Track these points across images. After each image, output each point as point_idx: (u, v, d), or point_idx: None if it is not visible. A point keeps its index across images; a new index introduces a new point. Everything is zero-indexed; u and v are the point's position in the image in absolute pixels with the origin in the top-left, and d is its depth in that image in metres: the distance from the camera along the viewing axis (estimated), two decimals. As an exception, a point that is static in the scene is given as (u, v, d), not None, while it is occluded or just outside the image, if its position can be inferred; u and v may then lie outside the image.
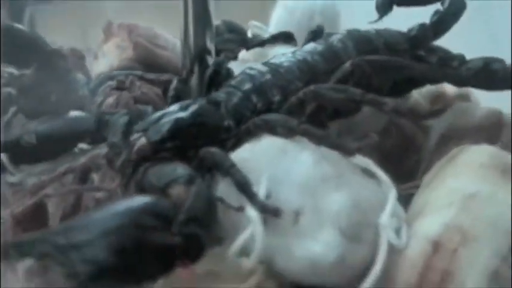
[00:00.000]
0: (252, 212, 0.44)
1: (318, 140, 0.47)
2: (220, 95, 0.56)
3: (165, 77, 0.75)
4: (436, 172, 0.53)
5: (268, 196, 0.45)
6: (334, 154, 0.47)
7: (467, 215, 0.47)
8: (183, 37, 0.70)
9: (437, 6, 0.67)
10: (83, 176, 0.61)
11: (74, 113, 0.68)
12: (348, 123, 0.61)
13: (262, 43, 0.74)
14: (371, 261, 0.44)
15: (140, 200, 0.43)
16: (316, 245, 0.43)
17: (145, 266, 0.40)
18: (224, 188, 0.47)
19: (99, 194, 0.58)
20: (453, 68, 0.59)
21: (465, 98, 0.73)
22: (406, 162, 0.65)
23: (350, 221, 0.44)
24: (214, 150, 0.48)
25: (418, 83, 0.62)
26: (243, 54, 0.74)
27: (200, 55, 0.69)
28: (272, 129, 0.49)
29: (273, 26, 0.89)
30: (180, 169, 0.46)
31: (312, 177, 0.45)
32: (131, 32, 0.86)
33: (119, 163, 0.52)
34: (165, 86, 0.74)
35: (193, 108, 0.53)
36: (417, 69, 0.57)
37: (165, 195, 0.44)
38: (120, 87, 0.73)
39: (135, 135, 0.53)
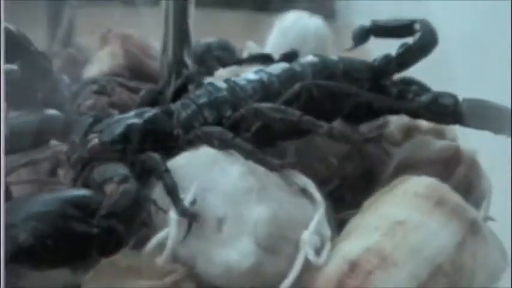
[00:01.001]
0: (172, 215, 0.45)
1: (246, 155, 0.49)
2: (176, 106, 0.59)
3: (146, 86, 0.77)
4: (375, 199, 0.54)
5: (193, 202, 0.47)
6: (263, 170, 0.48)
7: (391, 240, 0.47)
8: (162, 49, 0.73)
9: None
10: (53, 169, 0.64)
11: (49, 111, 0.70)
12: (309, 145, 0.63)
13: (239, 62, 0.76)
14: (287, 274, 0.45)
15: (72, 192, 0.46)
16: (233, 253, 0.45)
17: (63, 252, 0.42)
18: (160, 192, 0.49)
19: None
20: (407, 100, 0.59)
21: (439, 133, 0.74)
22: (367, 189, 0.66)
23: (267, 233, 0.45)
24: (152, 155, 0.51)
25: (374, 112, 0.63)
26: (219, 71, 0.76)
27: (177, 68, 0.72)
28: (209, 141, 0.51)
29: (269, 47, 0.91)
30: (120, 169, 0.48)
31: (236, 188, 0.47)
32: (124, 41, 0.89)
33: (72, 160, 0.54)
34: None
35: (146, 115, 0.56)
36: (369, 99, 0.58)
37: (101, 192, 0.46)
38: (100, 92, 0.75)
39: (91, 136, 0.56)
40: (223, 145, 0.50)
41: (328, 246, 0.47)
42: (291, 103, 0.55)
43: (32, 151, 0.67)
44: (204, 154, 0.50)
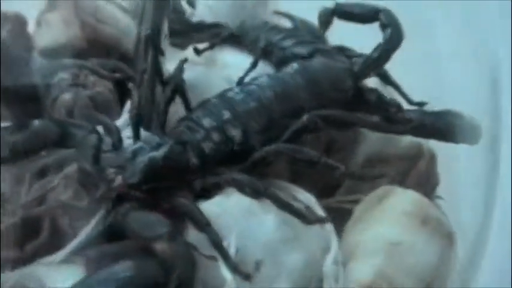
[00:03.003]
0: (227, 274, 0.52)
1: (279, 206, 0.55)
2: (185, 132, 0.61)
3: (116, 74, 0.78)
4: (365, 209, 0.63)
5: (236, 252, 0.54)
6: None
7: (392, 263, 0.58)
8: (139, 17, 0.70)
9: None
10: (41, 173, 0.66)
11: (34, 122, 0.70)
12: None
13: (212, 46, 0.78)
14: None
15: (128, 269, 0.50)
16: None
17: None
18: (195, 236, 0.55)
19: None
20: (394, 119, 0.66)
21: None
22: (326, 177, 0.70)
23: (302, 276, 0.54)
24: (189, 204, 0.55)
25: None
26: (192, 56, 0.77)
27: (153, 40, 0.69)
28: (241, 189, 0.56)
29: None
30: (161, 223, 0.53)
31: (273, 238, 0.55)
32: (78, 8, 0.86)
33: (97, 197, 0.58)
34: (117, 82, 0.77)
35: (164, 149, 0.59)
36: (368, 123, 0.65)
37: (149, 248, 0.51)
38: (76, 84, 0.75)
39: (110, 171, 0.59)
40: (256, 194, 0.56)
41: (342, 272, 0.57)
42: (299, 134, 0.61)
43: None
44: (239, 203, 0.56)
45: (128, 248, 0.58)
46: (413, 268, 0.58)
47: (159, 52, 0.72)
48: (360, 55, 0.76)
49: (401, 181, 0.69)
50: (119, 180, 0.58)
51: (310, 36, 0.84)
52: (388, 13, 0.71)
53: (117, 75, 0.77)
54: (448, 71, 0.79)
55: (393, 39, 0.70)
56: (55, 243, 0.63)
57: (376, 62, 0.70)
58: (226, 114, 0.62)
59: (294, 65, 0.69)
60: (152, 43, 0.71)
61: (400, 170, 0.69)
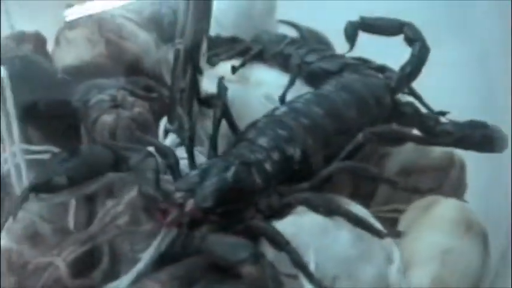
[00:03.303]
0: (312, 291, 0.55)
1: (354, 223, 0.58)
2: (245, 153, 0.63)
3: (153, 93, 0.79)
4: (412, 218, 0.67)
5: (316, 269, 0.56)
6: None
7: (446, 269, 0.62)
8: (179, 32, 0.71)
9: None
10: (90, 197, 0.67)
11: (86, 147, 0.70)
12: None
13: (243, 64, 0.79)
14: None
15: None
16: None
17: None
18: (273, 255, 0.57)
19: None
20: (433, 132, 0.70)
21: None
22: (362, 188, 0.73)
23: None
24: (266, 225, 0.57)
25: None
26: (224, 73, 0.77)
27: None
28: (315, 208, 0.59)
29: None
30: (243, 245, 0.55)
31: (348, 254, 0.58)
32: (101, 26, 0.86)
33: (168, 222, 0.59)
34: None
35: (232, 170, 0.61)
36: (414, 138, 0.68)
37: (237, 272, 0.53)
38: (116, 105, 0.75)
39: (178, 195, 0.60)
40: (329, 213, 0.58)
41: (404, 279, 0.61)
42: (355, 152, 0.64)
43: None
44: (313, 222, 0.58)
45: (197, 270, 0.60)
46: (464, 272, 0.63)
47: (198, 70, 0.74)
48: (382, 67, 0.80)
49: (438, 190, 0.73)
50: (190, 204, 0.59)
51: (321, 45, 0.87)
52: (413, 27, 0.74)
53: (154, 94, 0.78)
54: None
55: (423, 53, 0.73)
56: (115, 268, 0.64)
57: (410, 76, 0.74)
58: (283, 133, 0.64)
59: (333, 82, 0.72)
60: (191, 61, 0.73)
61: (435, 180, 0.73)
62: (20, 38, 0.87)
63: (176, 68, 0.74)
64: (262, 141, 0.64)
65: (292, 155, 0.64)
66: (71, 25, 0.85)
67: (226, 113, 0.70)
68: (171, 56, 0.76)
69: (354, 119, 0.68)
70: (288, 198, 0.61)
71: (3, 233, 0.61)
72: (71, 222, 0.69)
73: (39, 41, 0.88)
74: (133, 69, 0.83)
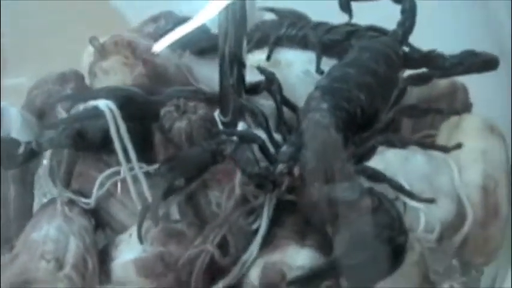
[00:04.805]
0: (416, 204, 0.71)
1: (423, 147, 0.75)
2: (319, 118, 0.73)
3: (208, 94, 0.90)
4: (447, 133, 0.84)
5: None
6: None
7: (487, 164, 0.79)
8: (222, 37, 0.80)
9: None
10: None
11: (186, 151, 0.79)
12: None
13: (271, 50, 0.92)
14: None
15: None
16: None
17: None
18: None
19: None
20: (448, 68, 0.84)
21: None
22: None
23: (453, 189, 0.75)
24: (363, 166, 0.72)
25: None
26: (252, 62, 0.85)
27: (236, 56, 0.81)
28: (393, 144, 0.73)
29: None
30: (354, 186, 0.68)
31: (427, 172, 0.74)
32: (135, 50, 0.94)
33: (283, 189, 0.72)
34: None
35: (322, 127, 0.72)
36: (436, 110, 0.83)
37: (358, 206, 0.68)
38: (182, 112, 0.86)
39: (280, 166, 0.72)
40: (404, 145, 0.74)
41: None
42: (387, 127, 0.77)
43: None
44: (396, 155, 0.74)
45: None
46: (500, 166, 0.80)
47: (243, 66, 0.87)
48: (374, 28, 0.94)
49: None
50: (297, 170, 0.69)
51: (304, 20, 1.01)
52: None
53: (208, 96, 0.90)
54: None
55: (412, 6, 0.85)
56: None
57: (409, 28, 0.86)
58: (343, 94, 0.75)
59: (355, 48, 0.85)
60: (236, 59, 0.85)
61: (449, 104, 0.91)
62: (63, 78, 0.95)
63: (223, 67, 0.85)
64: (329, 104, 0.74)
65: (355, 111, 0.78)
66: (101, 56, 0.94)
67: (281, 96, 0.79)
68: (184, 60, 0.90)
69: (385, 72, 0.81)
70: (370, 143, 0.75)
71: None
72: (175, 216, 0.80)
73: (78, 77, 0.95)
74: (165, 79, 0.94)
